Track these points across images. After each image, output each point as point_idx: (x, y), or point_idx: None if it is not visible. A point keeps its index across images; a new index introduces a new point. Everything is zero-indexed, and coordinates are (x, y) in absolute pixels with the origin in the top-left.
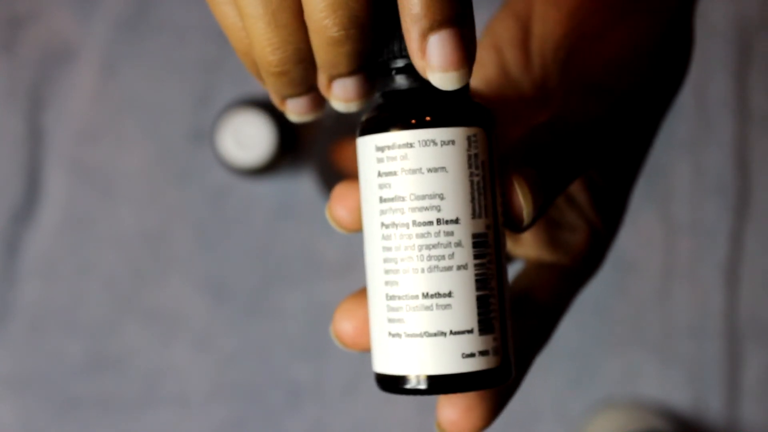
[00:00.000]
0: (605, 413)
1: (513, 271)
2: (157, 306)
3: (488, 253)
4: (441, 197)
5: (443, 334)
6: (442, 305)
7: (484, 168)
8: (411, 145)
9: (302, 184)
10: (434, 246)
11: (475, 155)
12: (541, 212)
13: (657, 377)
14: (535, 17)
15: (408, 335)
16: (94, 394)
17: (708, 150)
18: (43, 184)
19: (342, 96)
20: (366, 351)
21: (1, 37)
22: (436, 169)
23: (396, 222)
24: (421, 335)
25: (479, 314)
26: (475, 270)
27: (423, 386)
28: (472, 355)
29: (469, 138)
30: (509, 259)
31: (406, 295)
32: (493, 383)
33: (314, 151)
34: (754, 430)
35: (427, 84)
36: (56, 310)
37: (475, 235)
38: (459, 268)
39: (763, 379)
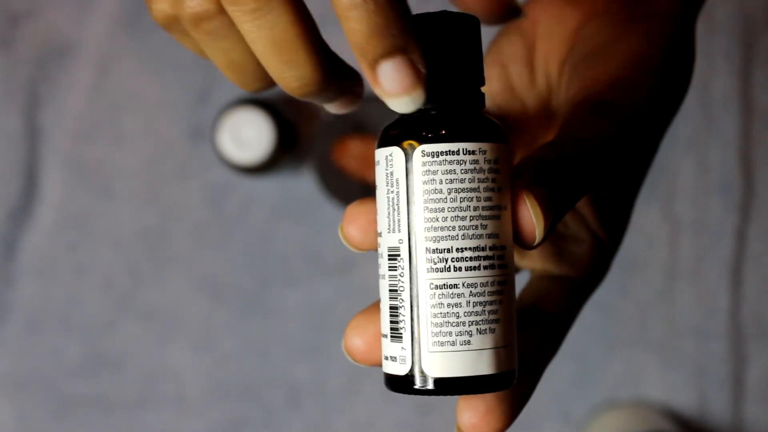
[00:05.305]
0: (608, 414)
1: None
2: (155, 305)
3: (400, 266)
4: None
5: (384, 336)
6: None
7: (398, 185)
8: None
9: (302, 182)
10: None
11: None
12: (551, 230)
13: (660, 377)
14: (540, 34)
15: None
16: (92, 394)
17: (712, 148)
18: (40, 182)
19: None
20: (377, 365)
21: None
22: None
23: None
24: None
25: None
26: (389, 281)
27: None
28: (393, 359)
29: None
30: (516, 270)
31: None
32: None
33: (314, 148)
34: (758, 431)
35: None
36: (53, 310)
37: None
38: (383, 277)
39: None
